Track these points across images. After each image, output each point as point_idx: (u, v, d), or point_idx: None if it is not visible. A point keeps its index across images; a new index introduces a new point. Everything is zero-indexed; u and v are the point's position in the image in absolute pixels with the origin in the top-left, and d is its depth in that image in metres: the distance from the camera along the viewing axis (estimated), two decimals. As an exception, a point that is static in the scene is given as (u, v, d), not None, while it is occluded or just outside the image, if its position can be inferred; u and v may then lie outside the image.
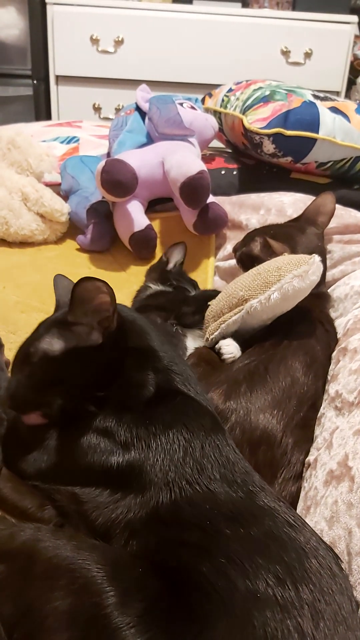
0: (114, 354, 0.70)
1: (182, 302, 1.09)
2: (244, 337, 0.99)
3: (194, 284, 1.19)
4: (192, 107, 1.44)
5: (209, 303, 1.02)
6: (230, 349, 0.96)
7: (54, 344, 0.69)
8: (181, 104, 1.41)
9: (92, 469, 0.64)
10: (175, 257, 1.21)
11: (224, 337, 0.98)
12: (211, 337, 0.99)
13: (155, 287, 1.14)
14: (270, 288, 0.91)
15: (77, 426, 0.67)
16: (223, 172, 1.45)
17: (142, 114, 1.44)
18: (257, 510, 0.60)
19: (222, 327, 0.97)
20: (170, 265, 1.19)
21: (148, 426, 0.65)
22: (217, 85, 1.74)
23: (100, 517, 0.61)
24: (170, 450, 0.63)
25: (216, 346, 0.98)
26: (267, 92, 1.38)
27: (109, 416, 0.67)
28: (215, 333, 0.98)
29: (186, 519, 0.58)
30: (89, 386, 0.69)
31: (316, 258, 0.94)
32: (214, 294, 1.06)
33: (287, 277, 0.90)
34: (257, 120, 1.32)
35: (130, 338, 0.73)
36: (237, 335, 0.98)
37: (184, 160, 1.21)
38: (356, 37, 2.60)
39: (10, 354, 0.95)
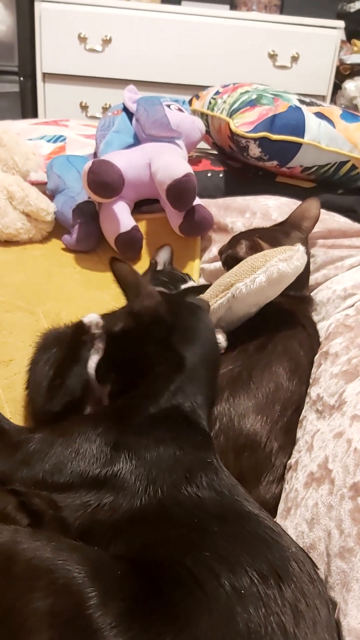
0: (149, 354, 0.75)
1: None
2: (228, 328, 0.99)
3: (184, 279, 1.20)
4: (180, 109, 1.44)
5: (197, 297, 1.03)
6: (218, 336, 0.96)
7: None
8: (168, 106, 1.42)
9: (77, 474, 0.64)
10: (163, 258, 1.23)
11: None
12: None
13: None
14: (256, 272, 0.93)
15: (66, 431, 0.67)
16: (209, 174, 1.46)
17: (130, 114, 1.44)
18: (243, 513, 0.61)
19: None
20: (160, 267, 1.20)
21: (139, 437, 0.66)
22: (204, 87, 1.75)
23: (79, 519, 0.61)
24: (158, 460, 0.64)
25: None
26: (254, 96, 1.39)
27: (101, 424, 0.67)
28: None
29: (173, 517, 0.59)
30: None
31: (300, 247, 0.97)
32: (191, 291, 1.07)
33: (273, 261, 0.93)
34: (243, 123, 1.33)
35: (183, 348, 0.76)
36: (220, 326, 0.99)
37: (170, 162, 1.22)
38: (342, 42, 2.63)
39: (-6, 353, 0.95)
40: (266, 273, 0.92)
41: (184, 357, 0.76)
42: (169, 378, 0.73)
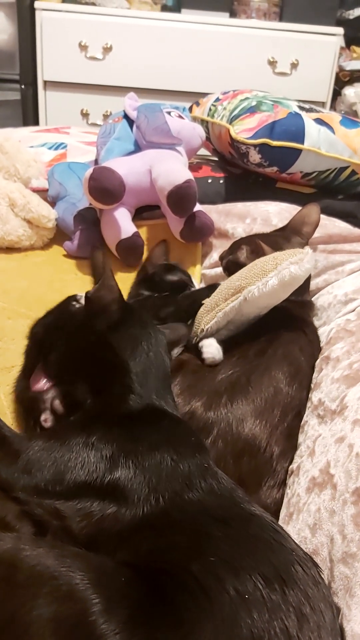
0: (107, 356, 0.76)
1: (161, 306, 1.10)
2: (237, 330, 0.99)
3: (184, 287, 1.18)
4: (180, 116, 1.45)
5: (202, 302, 1.03)
6: (211, 349, 0.96)
7: None
8: (169, 113, 1.42)
9: (77, 483, 0.64)
10: (158, 260, 1.23)
11: (219, 329, 0.99)
12: (206, 327, 0.99)
13: (145, 293, 1.16)
14: (267, 275, 0.93)
15: (63, 438, 0.68)
16: (210, 180, 1.47)
17: (130, 122, 1.45)
18: (245, 516, 0.61)
19: (218, 316, 0.97)
20: (152, 270, 1.19)
21: (135, 444, 0.66)
22: (204, 94, 1.76)
23: (85, 529, 0.61)
24: (157, 467, 0.64)
25: (199, 345, 0.98)
26: (254, 103, 1.40)
27: (95, 431, 0.67)
28: (211, 322, 0.98)
29: (177, 524, 0.59)
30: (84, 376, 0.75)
31: (309, 249, 0.97)
32: (196, 295, 1.07)
33: (284, 264, 0.93)
34: (243, 130, 1.34)
35: (122, 348, 0.77)
36: (229, 329, 0.99)
37: (171, 169, 1.22)
38: (342, 48, 2.64)
39: (-4, 360, 0.95)
40: (278, 276, 0.92)
41: (124, 359, 0.76)
42: (123, 377, 0.75)
